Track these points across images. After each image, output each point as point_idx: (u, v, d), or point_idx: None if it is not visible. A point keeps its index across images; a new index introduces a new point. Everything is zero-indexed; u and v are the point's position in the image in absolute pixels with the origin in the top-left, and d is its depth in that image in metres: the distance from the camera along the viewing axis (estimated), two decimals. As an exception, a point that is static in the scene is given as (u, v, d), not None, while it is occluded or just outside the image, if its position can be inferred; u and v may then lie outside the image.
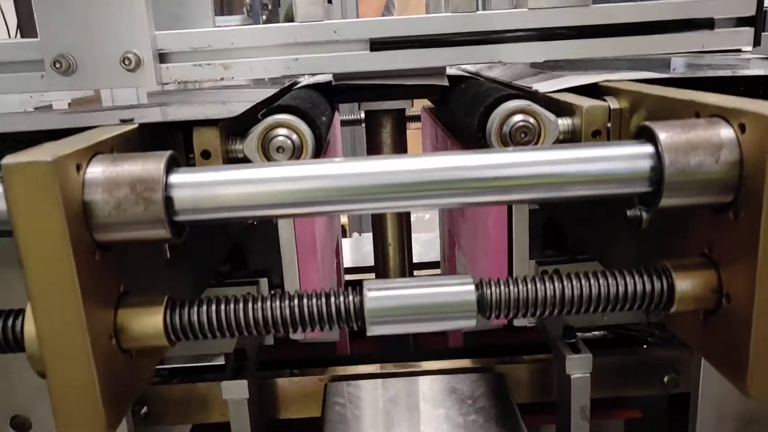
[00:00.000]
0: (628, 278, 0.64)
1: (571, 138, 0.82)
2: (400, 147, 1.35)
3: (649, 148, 0.60)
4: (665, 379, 1.19)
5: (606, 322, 1.20)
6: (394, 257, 1.45)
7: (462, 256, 1.41)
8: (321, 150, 0.83)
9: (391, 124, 1.32)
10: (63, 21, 1.04)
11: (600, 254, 1.00)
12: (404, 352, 1.41)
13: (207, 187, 0.60)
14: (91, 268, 0.59)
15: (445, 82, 1.12)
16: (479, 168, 0.60)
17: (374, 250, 1.45)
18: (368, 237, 2.32)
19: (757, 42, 1.09)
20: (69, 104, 1.34)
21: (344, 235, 2.91)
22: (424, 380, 1.15)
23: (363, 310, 0.63)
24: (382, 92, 1.22)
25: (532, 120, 0.79)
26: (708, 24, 1.08)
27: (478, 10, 1.06)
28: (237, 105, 0.83)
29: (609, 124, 0.80)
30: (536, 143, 0.81)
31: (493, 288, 0.64)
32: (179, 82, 1.11)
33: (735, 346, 0.60)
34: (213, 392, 1.19)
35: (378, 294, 0.63)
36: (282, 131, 0.79)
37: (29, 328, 0.61)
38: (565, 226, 1.32)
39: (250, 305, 0.63)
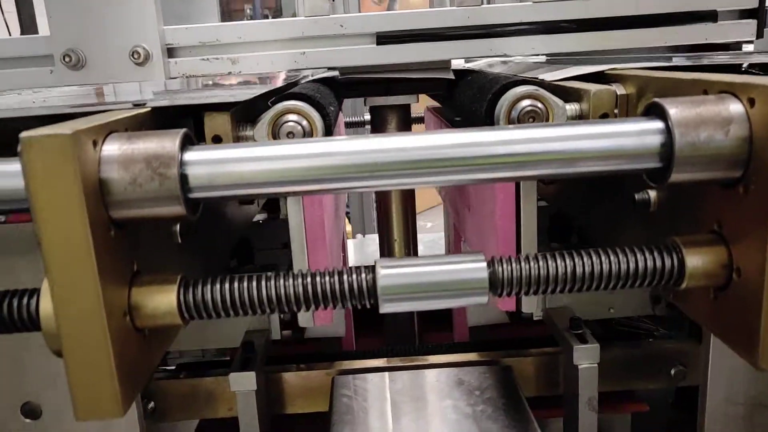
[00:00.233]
0: (638, 255, 0.64)
1: (578, 123, 0.83)
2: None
3: (658, 124, 0.60)
4: (672, 371, 1.19)
5: (612, 315, 1.20)
6: (399, 254, 1.45)
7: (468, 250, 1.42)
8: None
9: (396, 120, 1.32)
10: (72, 16, 1.05)
11: (608, 244, 1.00)
12: (410, 347, 1.41)
13: (221, 164, 0.60)
14: (107, 245, 0.59)
15: (451, 75, 1.12)
16: (490, 144, 0.61)
17: (380, 247, 1.46)
18: (372, 238, 2.33)
19: (760, 34, 1.10)
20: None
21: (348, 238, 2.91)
22: (431, 372, 1.15)
23: (376, 288, 0.63)
24: (388, 86, 1.23)
25: (540, 105, 0.80)
26: (711, 16, 1.09)
27: (482, 3, 1.07)
28: (247, 93, 0.84)
29: (616, 110, 0.81)
30: (544, 129, 0.82)
31: (504, 265, 0.64)
32: (187, 76, 1.12)
33: (746, 321, 0.60)
34: (220, 387, 1.19)
35: (391, 271, 0.63)
36: (292, 117, 0.80)
37: (45, 305, 0.62)
38: (571, 220, 1.33)
39: (263, 283, 0.64)
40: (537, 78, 0.94)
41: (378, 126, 1.35)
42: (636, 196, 0.78)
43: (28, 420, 0.85)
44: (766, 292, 0.57)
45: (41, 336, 0.84)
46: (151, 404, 1.18)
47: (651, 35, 1.09)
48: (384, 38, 1.08)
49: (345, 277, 0.64)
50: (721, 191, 0.63)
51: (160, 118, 0.75)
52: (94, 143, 0.58)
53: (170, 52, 1.10)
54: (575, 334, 1.07)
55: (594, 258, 0.64)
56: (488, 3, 1.43)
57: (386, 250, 1.43)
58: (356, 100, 3.26)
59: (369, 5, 4.29)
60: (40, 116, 0.75)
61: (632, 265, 0.64)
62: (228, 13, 4.65)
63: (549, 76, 0.93)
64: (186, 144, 0.61)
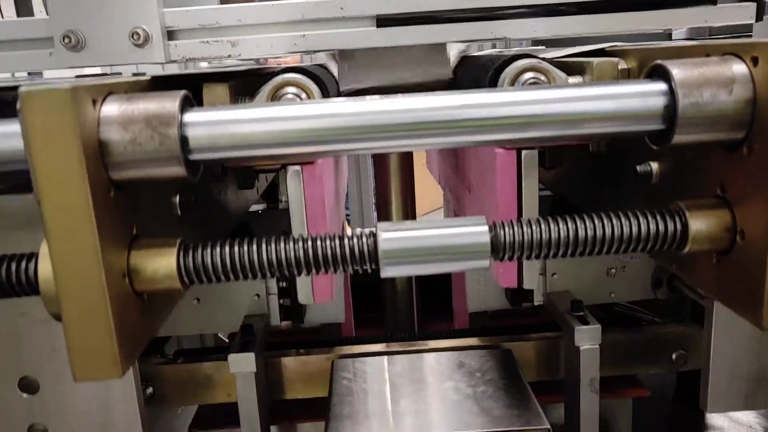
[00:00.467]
0: (641, 219, 0.64)
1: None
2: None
3: (662, 86, 0.60)
4: (673, 356, 1.18)
5: (613, 300, 1.19)
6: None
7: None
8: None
9: None
10: (72, -3, 1.05)
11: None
12: (410, 333, 1.41)
13: (222, 125, 0.60)
14: (106, 206, 0.59)
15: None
16: (493, 106, 0.60)
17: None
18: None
19: (759, 17, 1.10)
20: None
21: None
22: (431, 356, 1.14)
23: (377, 251, 0.63)
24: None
25: (543, 77, 0.80)
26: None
27: (483, -14, 1.07)
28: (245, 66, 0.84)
29: (618, 83, 0.81)
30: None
31: (506, 229, 0.64)
32: (186, 59, 1.12)
33: (749, 283, 0.60)
34: (219, 372, 1.18)
35: (392, 235, 0.63)
36: (291, 89, 0.80)
37: (44, 268, 0.61)
38: (573, 207, 1.32)
39: (263, 247, 0.63)
40: (538, 56, 0.94)
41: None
42: (638, 168, 0.78)
43: (25, 394, 0.84)
44: (770, 251, 0.57)
45: (39, 311, 0.83)
46: (150, 389, 1.17)
47: (651, 18, 1.08)
48: (384, 21, 1.08)
49: (346, 241, 0.63)
50: (724, 155, 0.63)
51: (159, 87, 0.75)
52: (94, 102, 0.57)
53: (170, 34, 1.09)
54: (576, 316, 1.07)
55: (597, 222, 0.64)
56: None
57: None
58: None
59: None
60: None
61: (635, 229, 0.63)
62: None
63: (550, 54, 0.93)
64: (186, 106, 0.61)
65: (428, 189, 2.05)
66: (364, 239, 0.63)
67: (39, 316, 0.82)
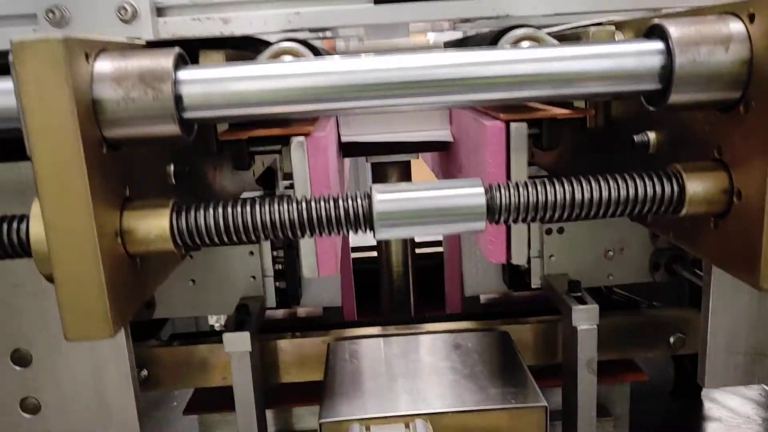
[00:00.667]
0: (638, 181, 0.63)
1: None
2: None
3: (659, 44, 0.60)
4: (671, 339, 1.18)
5: (612, 282, 1.19)
6: (397, 244, 1.44)
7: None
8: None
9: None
10: (57, -32, 1.03)
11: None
12: (407, 316, 1.40)
13: (216, 83, 0.60)
14: (99, 163, 0.58)
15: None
16: (489, 64, 0.60)
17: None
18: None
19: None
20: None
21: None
22: (427, 337, 1.14)
23: (372, 213, 0.62)
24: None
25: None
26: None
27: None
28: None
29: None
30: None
31: (502, 191, 0.63)
32: (177, 38, 1.11)
33: (746, 245, 0.60)
34: (214, 355, 1.17)
35: (387, 197, 0.62)
36: (287, 59, 0.80)
37: (36, 228, 0.61)
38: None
39: (257, 208, 0.63)
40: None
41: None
42: (635, 138, 0.78)
43: (17, 367, 0.84)
44: (767, 209, 0.56)
45: (31, 282, 0.83)
46: (144, 372, 1.17)
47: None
48: (382, -3, 1.08)
49: (341, 202, 0.63)
50: (720, 117, 0.62)
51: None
52: (87, 56, 0.57)
53: (159, 11, 1.07)
54: (574, 296, 1.06)
55: (593, 184, 0.63)
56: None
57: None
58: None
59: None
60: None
61: (632, 191, 0.63)
62: None
63: (547, 29, 0.92)
64: (180, 63, 0.61)
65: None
66: (359, 201, 0.63)
67: (32, 287, 0.82)
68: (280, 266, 1.18)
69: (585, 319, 1.03)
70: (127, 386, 0.91)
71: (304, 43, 0.81)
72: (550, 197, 0.63)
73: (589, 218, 0.64)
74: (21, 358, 0.84)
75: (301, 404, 1.25)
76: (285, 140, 0.85)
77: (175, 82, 0.59)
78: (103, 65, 0.58)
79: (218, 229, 0.63)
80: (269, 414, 1.25)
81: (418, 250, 1.55)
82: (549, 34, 0.87)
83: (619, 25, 0.83)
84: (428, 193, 0.63)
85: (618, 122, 0.89)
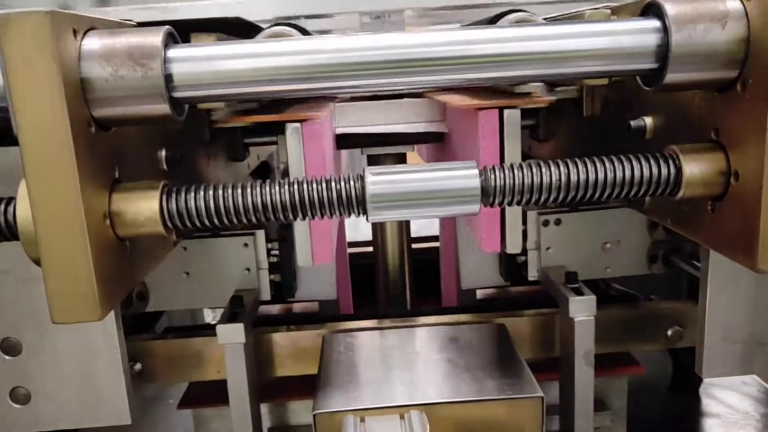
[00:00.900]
0: (635, 163, 0.62)
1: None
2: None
3: (655, 23, 0.59)
4: (669, 332, 1.17)
5: (609, 275, 1.18)
6: (391, 229, 1.43)
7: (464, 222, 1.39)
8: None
9: None
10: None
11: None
12: (403, 310, 1.39)
13: (207, 61, 0.59)
14: (87, 143, 0.57)
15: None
16: (484, 42, 0.59)
17: (372, 229, 1.44)
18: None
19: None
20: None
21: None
22: (423, 330, 1.13)
23: (365, 195, 0.61)
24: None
25: (533, 32, 0.79)
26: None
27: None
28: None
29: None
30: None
31: (497, 173, 0.62)
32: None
33: (744, 226, 0.59)
34: (209, 348, 1.16)
35: (380, 178, 0.61)
36: (281, 43, 0.78)
37: (23, 210, 0.60)
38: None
39: (248, 190, 0.62)
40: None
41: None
42: (631, 123, 0.77)
43: (7, 357, 0.82)
44: (765, 189, 0.56)
45: (21, 269, 0.82)
46: (138, 365, 1.15)
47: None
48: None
49: (333, 184, 0.62)
50: (717, 98, 0.62)
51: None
52: (75, 33, 0.56)
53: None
54: (571, 288, 1.05)
55: (589, 165, 0.62)
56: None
57: (378, 227, 1.41)
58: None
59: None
60: None
61: (628, 173, 0.62)
62: None
63: (542, 18, 0.92)
64: (170, 42, 0.60)
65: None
66: (352, 183, 0.62)
67: (21, 275, 0.81)
68: (274, 258, 1.17)
69: (582, 309, 1.02)
70: (119, 376, 0.90)
71: (297, 27, 0.80)
72: (545, 179, 0.62)
73: (585, 200, 0.63)
74: (10, 348, 0.82)
75: (297, 398, 1.24)
76: (281, 130, 0.84)
77: (165, 60, 0.58)
78: (92, 42, 0.57)
79: (209, 211, 0.62)
80: (265, 409, 1.24)
81: (414, 245, 1.54)
82: (545, 20, 0.86)
83: (615, 10, 0.82)
84: (422, 175, 0.62)
85: (614, 109, 0.88)
